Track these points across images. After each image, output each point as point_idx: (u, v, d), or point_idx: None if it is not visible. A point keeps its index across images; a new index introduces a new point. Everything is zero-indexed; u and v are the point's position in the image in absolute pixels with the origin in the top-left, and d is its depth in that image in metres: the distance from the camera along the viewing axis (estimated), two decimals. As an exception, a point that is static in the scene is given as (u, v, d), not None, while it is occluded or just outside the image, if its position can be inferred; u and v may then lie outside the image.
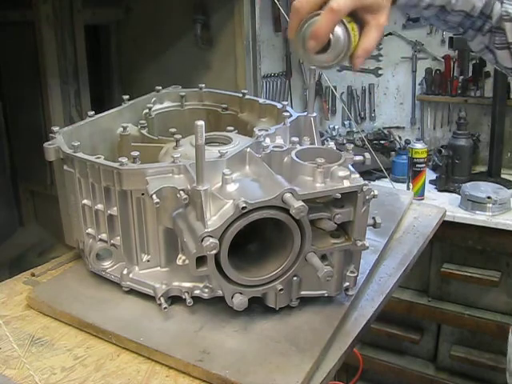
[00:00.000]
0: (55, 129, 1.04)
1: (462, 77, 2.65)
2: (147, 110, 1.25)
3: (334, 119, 3.06)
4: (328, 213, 0.87)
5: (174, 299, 0.92)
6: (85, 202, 0.98)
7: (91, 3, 1.95)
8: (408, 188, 2.27)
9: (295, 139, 1.00)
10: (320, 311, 0.91)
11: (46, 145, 0.98)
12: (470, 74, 2.64)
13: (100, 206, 0.96)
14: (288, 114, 1.13)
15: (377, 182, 2.37)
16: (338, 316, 0.90)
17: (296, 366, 0.78)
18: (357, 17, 0.82)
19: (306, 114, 1.15)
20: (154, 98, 1.30)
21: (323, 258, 0.88)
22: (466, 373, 2.39)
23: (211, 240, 0.77)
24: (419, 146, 2.30)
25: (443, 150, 2.43)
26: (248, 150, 0.96)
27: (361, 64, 0.83)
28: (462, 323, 2.30)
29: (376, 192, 0.88)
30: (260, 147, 0.98)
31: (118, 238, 0.96)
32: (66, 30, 1.86)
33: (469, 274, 2.23)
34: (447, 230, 2.01)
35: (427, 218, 1.31)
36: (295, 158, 0.92)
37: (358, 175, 0.87)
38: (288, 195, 0.79)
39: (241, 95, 1.28)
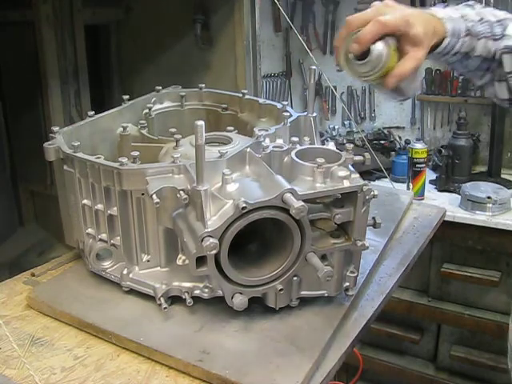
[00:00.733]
0: (55, 129, 1.04)
1: (462, 77, 2.65)
2: (147, 110, 1.25)
3: (334, 119, 3.06)
4: (328, 213, 0.87)
5: (174, 299, 0.92)
6: (85, 202, 0.98)
7: (91, 3, 1.95)
8: (408, 188, 2.27)
9: (295, 139, 1.00)
10: (320, 311, 0.91)
11: (46, 145, 0.98)
12: (470, 74, 2.63)
13: (100, 206, 0.96)
14: (288, 113, 1.13)
15: (377, 182, 2.37)
16: (338, 316, 0.90)
17: (296, 366, 0.78)
18: (399, 48, 0.90)
19: (306, 113, 1.15)
20: (154, 98, 1.30)
21: (323, 258, 0.88)
22: (465, 373, 2.39)
23: (211, 240, 0.77)
24: (419, 145, 2.30)
25: (443, 150, 2.43)
26: (248, 150, 0.96)
27: (392, 85, 0.90)
28: (461, 323, 2.30)
29: (376, 192, 0.88)
30: (260, 147, 0.98)
31: (118, 238, 0.96)
32: (66, 29, 1.86)
33: (469, 274, 2.23)
34: (447, 230, 2.00)
35: (427, 218, 1.31)
36: (295, 158, 0.92)
37: (357, 175, 0.87)
38: (288, 195, 0.79)
39: (241, 95, 1.28)
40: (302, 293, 0.91)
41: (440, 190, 2.39)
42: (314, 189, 0.84)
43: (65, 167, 0.98)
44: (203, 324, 0.88)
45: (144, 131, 1.16)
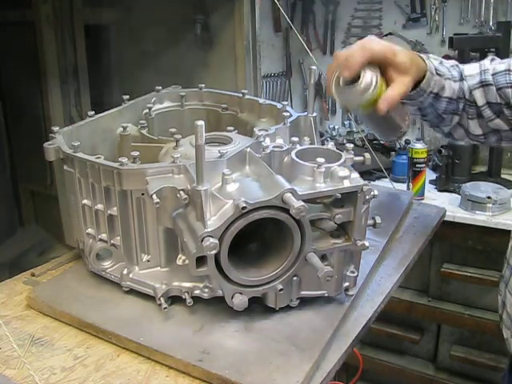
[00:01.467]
0: (55, 129, 1.04)
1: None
2: (147, 110, 1.25)
3: (334, 119, 3.06)
4: (328, 213, 0.87)
5: (174, 299, 0.92)
6: (85, 202, 0.98)
7: (91, 3, 1.95)
8: (408, 188, 2.27)
9: (295, 139, 1.00)
10: (320, 311, 0.91)
11: (46, 145, 0.98)
12: (470, 74, 2.63)
13: (100, 206, 0.96)
14: (288, 113, 1.13)
15: (377, 182, 2.36)
16: (338, 316, 0.90)
17: (296, 366, 0.78)
18: (385, 77, 0.95)
19: (306, 113, 1.15)
20: (154, 98, 1.30)
21: (323, 258, 0.88)
22: (465, 373, 2.39)
23: (211, 240, 0.77)
24: (419, 145, 2.29)
25: (443, 150, 2.42)
26: (248, 150, 0.96)
27: (385, 109, 0.94)
28: (461, 323, 2.29)
29: (376, 192, 0.88)
30: (260, 147, 0.98)
31: (118, 238, 0.96)
32: (66, 30, 1.86)
33: (469, 274, 2.22)
34: (447, 230, 2.00)
35: (427, 218, 1.31)
36: (295, 158, 0.92)
37: (357, 175, 0.87)
38: (288, 195, 0.79)
39: (241, 95, 1.28)
40: (302, 293, 0.91)
41: (440, 190, 2.39)
42: (314, 189, 0.84)
43: (65, 167, 0.98)
44: (203, 324, 0.88)
45: (144, 131, 1.16)
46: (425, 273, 2.33)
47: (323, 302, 0.93)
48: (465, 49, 2.29)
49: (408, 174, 2.31)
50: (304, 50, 2.14)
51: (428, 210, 1.36)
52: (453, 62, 1.14)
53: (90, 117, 1.13)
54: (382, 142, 2.76)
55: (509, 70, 1.07)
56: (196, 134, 0.77)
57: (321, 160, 0.85)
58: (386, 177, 2.07)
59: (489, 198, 2.11)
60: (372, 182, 2.32)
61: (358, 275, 0.93)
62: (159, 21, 2.05)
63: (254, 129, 1.05)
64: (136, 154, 0.94)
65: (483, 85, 1.09)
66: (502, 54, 2.20)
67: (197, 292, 0.90)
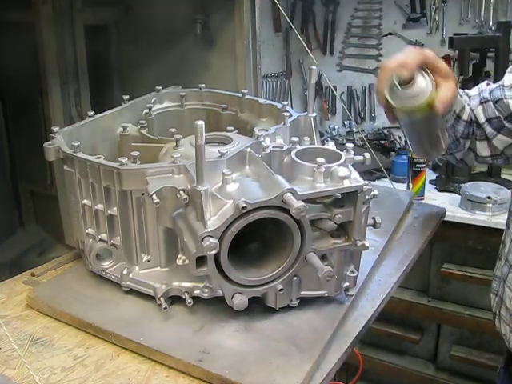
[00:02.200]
0: (55, 129, 1.04)
1: (462, 77, 2.64)
2: (147, 110, 1.25)
3: (334, 119, 3.06)
4: (328, 213, 0.87)
5: (174, 299, 0.92)
6: (85, 202, 0.98)
7: (91, 3, 1.95)
8: (408, 188, 2.27)
9: (295, 139, 1.00)
10: (320, 311, 0.91)
11: (46, 145, 0.99)
12: (470, 74, 2.63)
13: (100, 206, 0.96)
14: (288, 113, 1.13)
15: (377, 182, 2.36)
16: (338, 316, 0.90)
17: (296, 366, 0.78)
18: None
19: (305, 113, 1.15)
20: (154, 98, 1.30)
21: (323, 258, 0.88)
22: (465, 373, 2.39)
23: (211, 240, 0.77)
24: (419, 145, 2.29)
25: (443, 150, 2.42)
26: (248, 150, 0.96)
27: (442, 110, 0.98)
28: (461, 323, 2.29)
29: (376, 192, 0.88)
30: (260, 147, 0.98)
31: (118, 238, 0.96)
32: (66, 30, 1.85)
33: (469, 274, 2.22)
34: (447, 229, 2.00)
35: (427, 218, 1.31)
36: (295, 158, 0.92)
37: (357, 175, 0.87)
38: (288, 195, 0.79)
39: (241, 95, 1.29)
40: (302, 293, 0.91)
41: (440, 190, 2.39)
42: (314, 189, 0.84)
43: (65, 167, 0.98)
44: (203, 324, 0.88)
45: (144, 131, 1.16)
46: (425, 273, 2.32)
47: (323, 302, 0.93)
48: (465, 49, 2.29)
49: (408, 174, 2.31)
50: (304, 49, 2.14)
51: (428, 209, 1.36)
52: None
53: (90, 117, 1.13)
54: (382, 142, 2.76)
55: (502, 85, 1.15)
56: (196, 134, 0.77)
57: (321, 160, 0.86)
58: (386, 177, 2.07)
59: (489, 198, 2.11)
60: (372, 182, 2.32)
61: (357, 275, 0.93)
62: (159, 21, 2.05)
63: (254, 129, 1.05)
64: (136, 154, 0.94)
65: (482, 102, 1.17)
66: (501, 54, 2.20)
67: (197, 292, 0.90)
